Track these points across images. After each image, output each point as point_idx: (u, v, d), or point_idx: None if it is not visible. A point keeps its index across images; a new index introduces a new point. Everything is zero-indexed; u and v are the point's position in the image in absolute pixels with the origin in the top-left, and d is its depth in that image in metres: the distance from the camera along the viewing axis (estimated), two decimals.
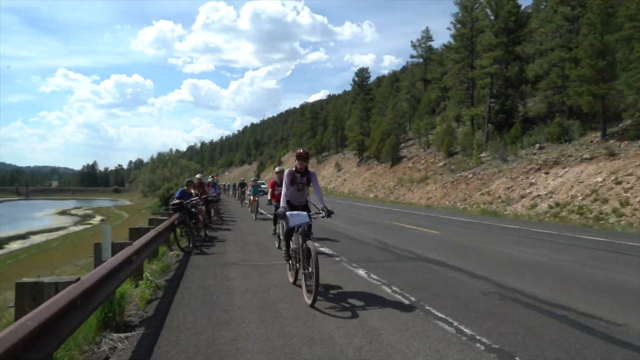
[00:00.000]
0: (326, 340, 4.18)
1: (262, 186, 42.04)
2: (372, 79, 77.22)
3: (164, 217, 10.33)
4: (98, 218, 69.86)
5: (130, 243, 5.89)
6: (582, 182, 20.33)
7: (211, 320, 4.81)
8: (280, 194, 7.13)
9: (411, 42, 57.20)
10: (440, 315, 4.94)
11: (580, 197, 19.41)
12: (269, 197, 11.02)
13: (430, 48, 55.17)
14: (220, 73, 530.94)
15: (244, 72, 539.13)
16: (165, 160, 79.25)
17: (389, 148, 45.22)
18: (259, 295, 5.87)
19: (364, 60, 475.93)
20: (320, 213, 5.92)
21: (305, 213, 5.85)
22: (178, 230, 10.08)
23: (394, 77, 79.69)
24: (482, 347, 3.96)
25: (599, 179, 19.55)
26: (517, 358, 3.72)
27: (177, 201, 10.01)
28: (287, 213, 5.73)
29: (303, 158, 6.09)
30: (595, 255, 9.32)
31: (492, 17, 32.76)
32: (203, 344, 4.11)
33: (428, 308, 5.20)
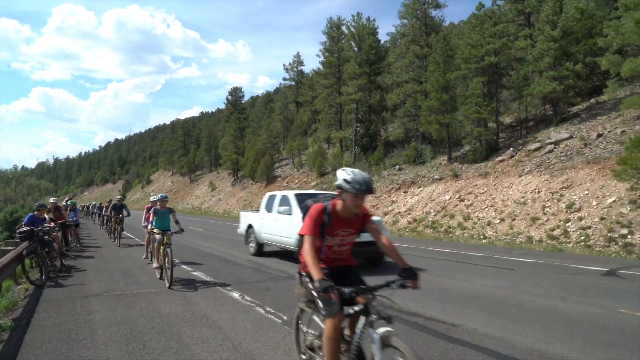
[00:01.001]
0: None
1: None
2: (246, 98, 77.79)
3: (9, 248, 9.09)
4: None
5: None
6: (434, 200, 23.06)
7: None
8: None
9: (284, 65, 59.29)
10: (310, 331, 5.25)
11: (433, 213, 21.99)
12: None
13: (301, 72, 57.65)
14: (78, 83, 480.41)
15: (107, 84, 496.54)
16: (8, 179, 68.86)
17: (264, 167, 45.73)
18: (125, 327, 5.57)
19: (238, 79, 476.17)
20: None
21: None
22: (27, 261, 8.95)
23: (268, 98, 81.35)
24: None
25: (447, 197, 22.41)
26: None
27: (26, 228, 8.90)
28: None
29: None
30: (444, 265, 10.71)
31: (356, 49, 35.70)
32: None
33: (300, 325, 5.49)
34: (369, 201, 27.45)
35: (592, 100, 23.20)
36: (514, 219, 17.77)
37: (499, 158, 23.00)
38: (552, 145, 20.77)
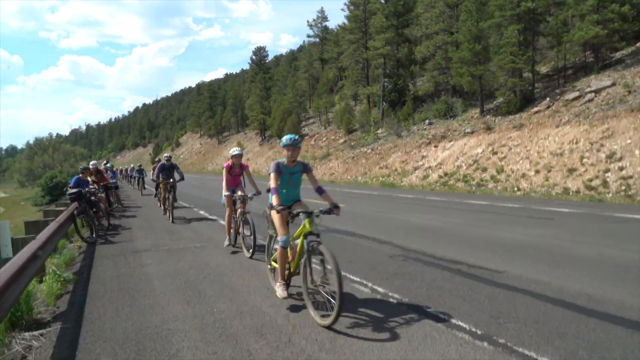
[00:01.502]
0: (255, 311, 4.42)
1: None
2: (270, 57, 76.75)
3: (61, 208, 9.57)
4: None
5: (33, 237, 5.48)
6: (465, 154, 22.68)
7: (134, 307, 4.75)
8: None
9: (307, 21, 57.81)
10: (355, 279, 5.43)
11: (465, 167, 21.70)
12: None
13: (326, 28, 56.13)
14: (104, 49, 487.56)
15: (132, 49, 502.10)
16: (45, 146, 71.41)
17: (291, 126, 45.65)
18: (178, 278, 5.87)
19: (261, 38, 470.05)
20: None
21: None
22: (78, 221, 9.43)
23: (292, 56, 79.96)
24: (394, 302, 4.50)
25: (479, 150, 21.99)
26: (423, 307, 4.32)
27: (75, 190, 9.32)
28: None
29: None
30: (479, 217, 10.66)
31: (383, 1, 34.35)
32: (131, 330, 4.09)
33: (344, 274, 5.65)
34: (398, 156, 27.26)
35: (639, 45, 21.83)
36: (549, 171, 17.35)
37: (535, 109, 22.22)
38: (593, 94, 19.87)
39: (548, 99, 22.16)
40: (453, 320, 3.93)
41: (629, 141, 15.76)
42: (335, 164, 34.24)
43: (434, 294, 4.70)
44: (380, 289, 4.94)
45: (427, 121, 29.36)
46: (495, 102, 26.05)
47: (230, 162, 7.51)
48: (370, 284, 5.15)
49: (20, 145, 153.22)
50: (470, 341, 3.50)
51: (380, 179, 26.21)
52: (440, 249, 6.97)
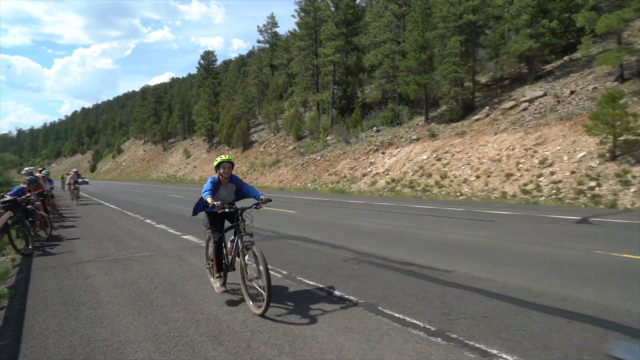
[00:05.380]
0: (211, 319, 4.33)
1: None
2: (220, 62, 75.70)
3: None
4: None
5: None
6: (411, 160, 23.45)
7: (79, 320, 4.51)
8: None
9: (257, 26, 57.56)
10: (311, 282, 5.47)
11: (411, 173, 22.42)
12: None
13: (276, 34, 56.17)
14: (41, 49, 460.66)
15: (72, 50, 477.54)
16: None
17: (240, 133, 45.19)
18: (127, 288, 5.64)
19: (212, 42, 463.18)
20: None
21: None
22: (13, 232, 8.79)
23: (242, 62, 79.27)
24: (351, 303, 4.58)
25: (424, 157, 22.82)
26: (379, 307, 4.43)
27: (9, 198, 8.69)
28: None
29: None
30: (427, 220, 11.06)
31: (333, 9, 34.95)
32: (78, 344, 3.88)
33: (300, 278, 5.69)
34: (347, 163, 27.67)
35: (566, 58, 23.62)
36: (489, 176, 18.31)
37: (475, 117, 23.40)
38: (527, 103, 21.23)
39: (487, 107, 23.42)
40: (408, 319, 4.07)
41: (558, 148, 16.97)
42: (284, 170, 34.20)
43: (388, 294, 4.83)
44: (336, 292, 5.00)
45: (375, 128, 30.07)
46: (439, 110, 27.16)
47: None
48: (326, 287, 5.20)
49: None
50: (425, 337, 3.64)
51: (330, 185, 26.49)
52: (392, 251, 7.17)
